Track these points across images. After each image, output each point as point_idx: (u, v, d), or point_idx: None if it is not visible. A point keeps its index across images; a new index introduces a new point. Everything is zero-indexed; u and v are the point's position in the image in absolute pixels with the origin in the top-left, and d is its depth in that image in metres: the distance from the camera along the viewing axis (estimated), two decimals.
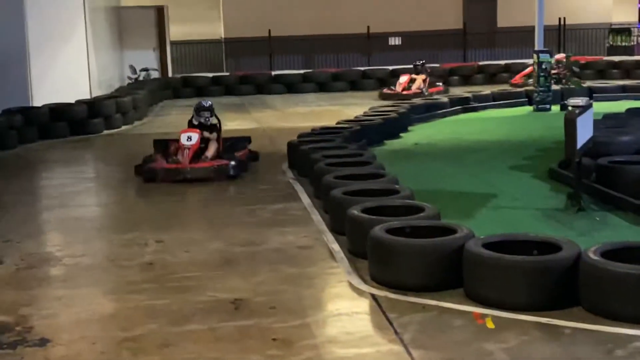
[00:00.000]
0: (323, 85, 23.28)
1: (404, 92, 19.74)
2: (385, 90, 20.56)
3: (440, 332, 4.95)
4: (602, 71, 23.95)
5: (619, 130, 10.46)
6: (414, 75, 20.58)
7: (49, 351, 4.83)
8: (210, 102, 11.20)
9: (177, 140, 10.60)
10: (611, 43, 27.20)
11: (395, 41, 26.29)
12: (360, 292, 5.74)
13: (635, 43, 27.24)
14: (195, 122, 10.85)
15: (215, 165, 10.24)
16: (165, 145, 10.93)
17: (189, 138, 10.43)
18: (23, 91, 15.45)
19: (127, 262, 6.73)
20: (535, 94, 17.35)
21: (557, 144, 11.22)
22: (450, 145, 12.79)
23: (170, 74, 24.51)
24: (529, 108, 17.62)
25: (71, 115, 15.19)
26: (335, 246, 6.86)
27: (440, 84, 21.35)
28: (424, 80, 20.40)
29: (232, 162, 10.28)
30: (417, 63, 21.15)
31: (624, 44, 26.90)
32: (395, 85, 20.60)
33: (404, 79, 20.52)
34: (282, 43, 25.18)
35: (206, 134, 10.68)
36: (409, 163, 11.23)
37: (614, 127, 10.80)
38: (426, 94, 19.50)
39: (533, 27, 18.25)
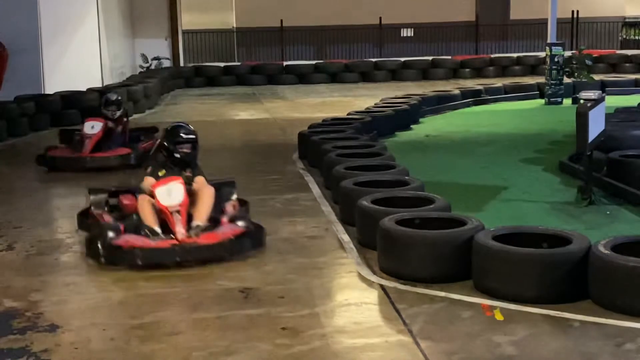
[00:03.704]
0: (334, 76, 23.26)
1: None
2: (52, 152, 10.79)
3: (449, 323, 4.95)
4: (615, 65, 23.87)
5: (631, 124, 10.42)
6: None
7: (58, 337, 4.86)
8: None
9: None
10: (624, 37, 27.05)
11: (407, 32, 26.22)
12: (369, 283, 5.75)
13: None
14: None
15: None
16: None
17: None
18: (35, 79, 15.50)
19: None
20: (547, 87, 17.29)
21: (568, 137, 11.19)
22: (461, 138, 12.76)
23: (182, 63, 24.53)
24: (541, 101, 17.57)
25: (83, 103, 15.23)
26: (345, 237, 6.87)
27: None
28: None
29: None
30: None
31: (637, 37, 26.73)
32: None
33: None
34: (294, 33, 25.16)
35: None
36: (420, 155, 11.21)
37: (626, 121, 10.76)
38: None
39: (546, 20, 18.18)
